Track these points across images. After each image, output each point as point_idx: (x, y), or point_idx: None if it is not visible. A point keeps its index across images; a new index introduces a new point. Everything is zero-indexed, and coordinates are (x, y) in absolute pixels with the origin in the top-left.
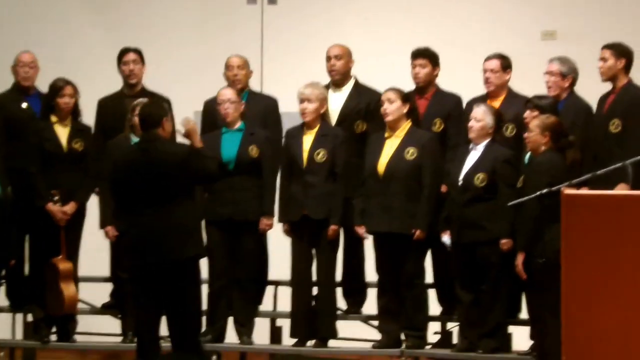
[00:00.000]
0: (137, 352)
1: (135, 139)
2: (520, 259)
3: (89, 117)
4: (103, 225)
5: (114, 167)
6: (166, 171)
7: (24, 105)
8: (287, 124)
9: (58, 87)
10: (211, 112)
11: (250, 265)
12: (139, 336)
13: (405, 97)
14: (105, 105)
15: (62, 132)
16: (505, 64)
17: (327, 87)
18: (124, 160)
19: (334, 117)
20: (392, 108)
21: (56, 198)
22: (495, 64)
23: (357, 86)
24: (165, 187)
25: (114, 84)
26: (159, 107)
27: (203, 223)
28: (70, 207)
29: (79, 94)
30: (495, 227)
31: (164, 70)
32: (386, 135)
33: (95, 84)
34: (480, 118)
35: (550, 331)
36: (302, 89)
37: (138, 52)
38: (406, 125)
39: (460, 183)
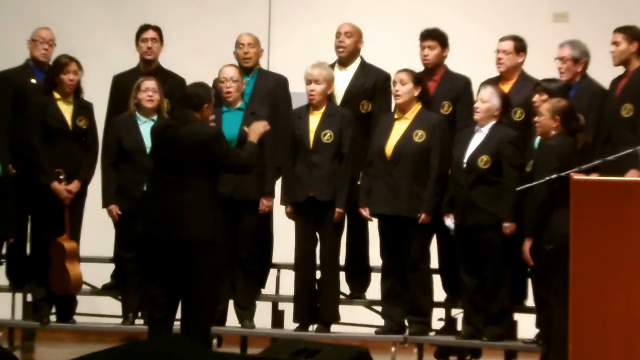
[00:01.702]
0: (148, 333)
1: (140, 116)
2: (527, 245)
3: (90, 94)
4: (105, 204)
5: (151, 135)
6: (187, 148)
7: (34, 81)
8: (293, 104)
9: (62, 63)
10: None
11: (251, 245)
12: (148, 314)
13: (418, 79)
14: (121, 82)
15: (66, 109)
16: (519, 46)
17: (333, 66)
18: (156, 131)
19: (339, 97)
20: (403, 90)
21: (62, 177)
22: (508, 45)
23: (363, 65)
24: (184, 164)
25: (119, 61)
26: (207, 91)
27: None
28: (74, 186)
29: (82, 70)
30: (500, 210)
31: (170, 48)
32: (395, 116)
33: (99, 61)
34: (487, 99)
35: (556, 318)
36: (309, 69)
37: (157, 30)
38: (416, 108)
39: (464, 165)
